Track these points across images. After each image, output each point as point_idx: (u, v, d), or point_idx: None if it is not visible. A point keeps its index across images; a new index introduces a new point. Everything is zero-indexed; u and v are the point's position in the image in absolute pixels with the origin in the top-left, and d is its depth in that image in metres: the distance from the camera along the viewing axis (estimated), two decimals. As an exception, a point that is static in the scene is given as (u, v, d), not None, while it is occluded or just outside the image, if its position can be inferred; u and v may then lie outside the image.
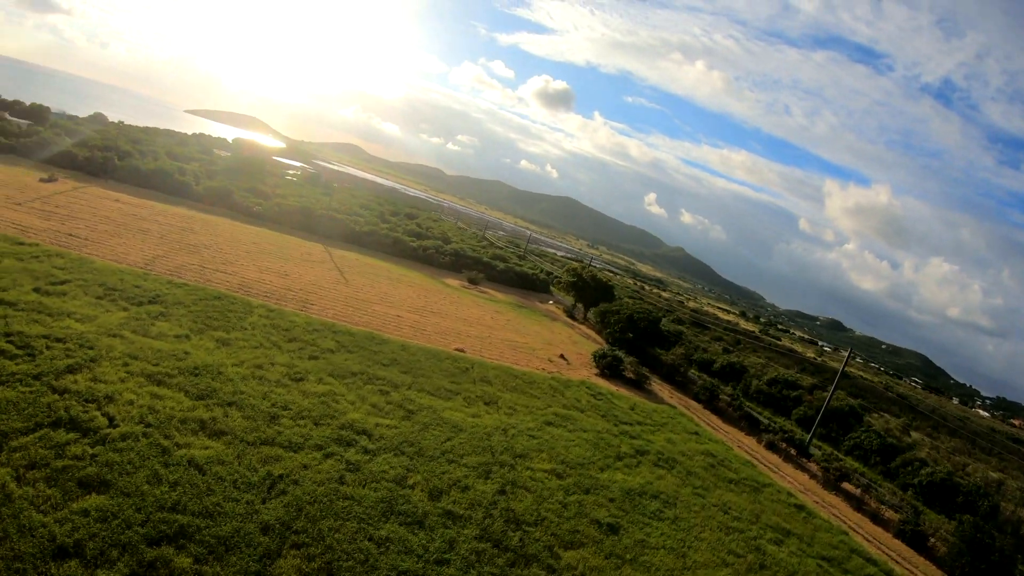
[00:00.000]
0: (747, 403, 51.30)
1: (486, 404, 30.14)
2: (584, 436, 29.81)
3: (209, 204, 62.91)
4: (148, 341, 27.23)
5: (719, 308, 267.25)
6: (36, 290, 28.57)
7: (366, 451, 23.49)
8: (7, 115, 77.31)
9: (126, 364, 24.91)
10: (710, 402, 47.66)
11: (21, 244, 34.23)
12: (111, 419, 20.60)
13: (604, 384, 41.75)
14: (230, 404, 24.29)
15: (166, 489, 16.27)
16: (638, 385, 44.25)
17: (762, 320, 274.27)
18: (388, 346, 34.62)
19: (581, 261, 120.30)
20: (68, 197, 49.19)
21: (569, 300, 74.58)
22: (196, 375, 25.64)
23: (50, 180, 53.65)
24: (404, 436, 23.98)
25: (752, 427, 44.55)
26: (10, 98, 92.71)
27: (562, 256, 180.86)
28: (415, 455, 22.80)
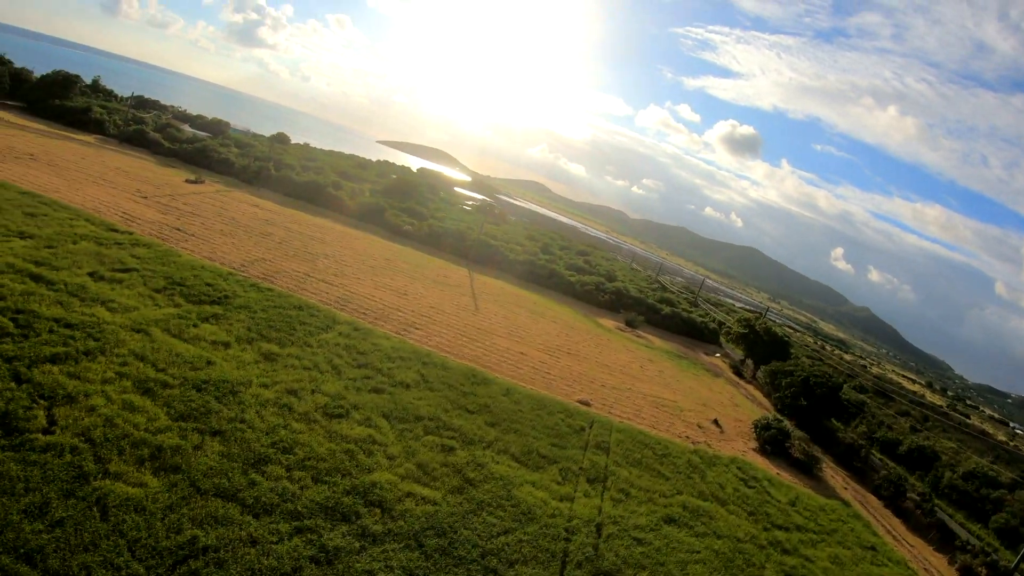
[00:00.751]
0: (939, 503, 48.37)
1: (589, 482, 24.51)
2: (715, 546, 23.47)
3: (358, 219, 67.64)
4: (174, 342, 24.07)
5: (904, 376, 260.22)
6: (91, 274, 28.81)
7: (364, 535, 16.23)
8: (187, 126, 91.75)
9: (124, 363, 21.58)
10: (894, 500, 43.43)
11: (113, 231, 36.34)
12: (51, 423, 17.65)
13: (761, 465, 37.02)
14: (215, 433, 18.96)
15: (40, 528, 13.57)
16: (805, 469, 40.24)
17: (949, 393, 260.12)
18: (487, 388, 27.70)
19: (762, 314, 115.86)
20: (204, 198, 54.86)
21: (738, 354, 73.06)
22: (200, 389, 21.10)
23: (196, 181, 60.68)
24: (439, 519, 16.67)
25: (944, 538, 40.53)
26: (194, 112, 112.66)
27: (740, 307, 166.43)
28: (438, 553, 14.88)
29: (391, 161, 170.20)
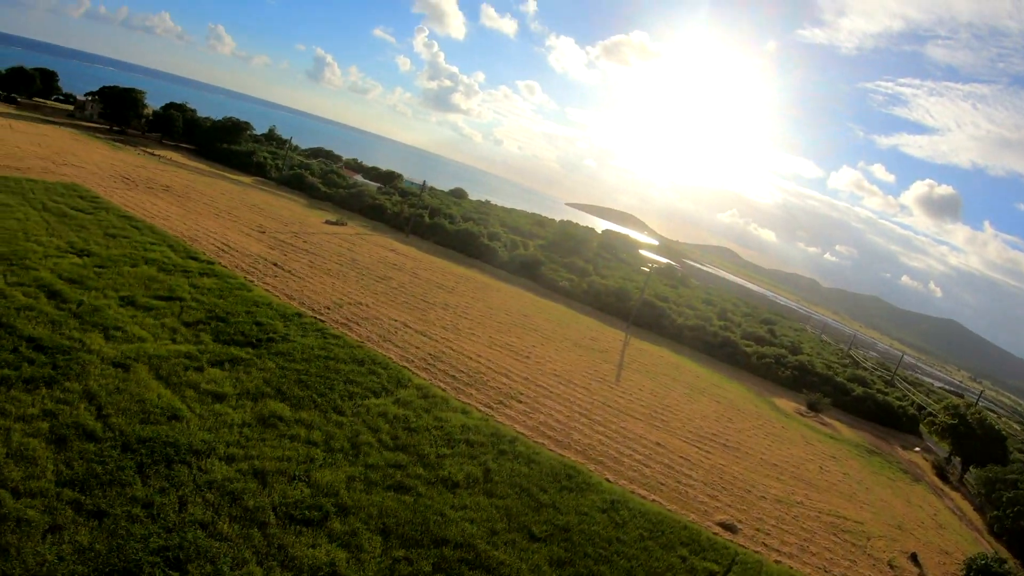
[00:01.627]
0: None
1: None
2: None
3: (511, 272, 70.33)
4: (153, 385, 21.79)
5: None
6: (123, 298, 29.16)
7: None
8: (359, 176, 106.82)
9: (64, 401, 19.72)
10: None
11: (192, 258, 38.32)
12: None
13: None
14: (96, 515, 15.22)
15: None
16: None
17: None
18: (579, 498, 21.67)
19: (963, 396, 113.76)
20: (334, 238, 60.06)
21: (943, 449, 68.75)
22: (130, 449, 17.58)
23: (336, 223, 67.68)
24: None
25: None
26: (369, 164, 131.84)
27: (939, 387, 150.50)
28: None
29: (575, 221, 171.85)
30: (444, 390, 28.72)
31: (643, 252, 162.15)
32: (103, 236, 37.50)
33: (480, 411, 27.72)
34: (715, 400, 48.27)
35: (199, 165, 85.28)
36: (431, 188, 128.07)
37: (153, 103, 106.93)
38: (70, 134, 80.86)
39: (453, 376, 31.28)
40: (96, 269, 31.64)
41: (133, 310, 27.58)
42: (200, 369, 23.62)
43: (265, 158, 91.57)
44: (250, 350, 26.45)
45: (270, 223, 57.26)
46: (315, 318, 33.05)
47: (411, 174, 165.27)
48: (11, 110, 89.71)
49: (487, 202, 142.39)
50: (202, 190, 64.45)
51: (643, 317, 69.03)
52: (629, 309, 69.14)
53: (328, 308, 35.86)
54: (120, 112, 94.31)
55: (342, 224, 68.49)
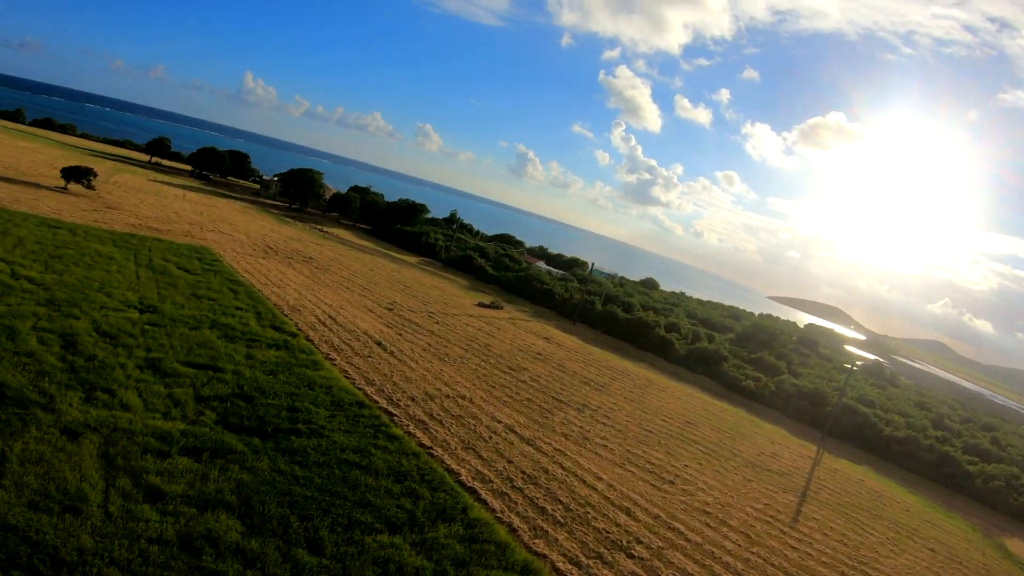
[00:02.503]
0: None
1: None
2: None
3: (686, 368, 68.07)
4: (89, 463, 18.50)
5: None
6: (147, 360, 27.17)
7: None
8: (542, 263, 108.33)
9: None
10: None
11: (276, 328, 36.14)
12: None
13: None
14: None
15: None
16: None
17: None
18: None
19: None
20: (478, 321, 57.15)
21: None
22: None
23: (490, 306, 67.29)
24: None
25: None
26: (554, 251, 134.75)
27: None
28: None
29: (775, 316, 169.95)
30: (514, 530, 21.01)
31: (848, 348, 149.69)
32: (188, 296, 36.85)
33: (558, 569, 19.62)
34: (928, 547, 39.54)
35: (365, 243, 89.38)
36: (621, 278, 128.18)
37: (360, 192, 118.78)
38: (241, 207, 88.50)
39: (542, 508, 23.36)
40: (147, 326, 30.25)
41: (149, 374, 25.00)
42: (164, 456, 19.40)
43: (437, 240, 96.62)
44: (255, 441, 21.46)
45: (408, 301, 55.62)
46: (382, 410, 27.58)
47: (607, 265, 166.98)
48: (199, 185, 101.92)
49: (680, 293, 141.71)
50: (349, 264, 65.38)
51: (842, 426, 62.70)
52: (825, 416, 61.61)
53: (412, 400, 30.28)
54: (299, 191, 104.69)
55: (497, 307, 66.90)
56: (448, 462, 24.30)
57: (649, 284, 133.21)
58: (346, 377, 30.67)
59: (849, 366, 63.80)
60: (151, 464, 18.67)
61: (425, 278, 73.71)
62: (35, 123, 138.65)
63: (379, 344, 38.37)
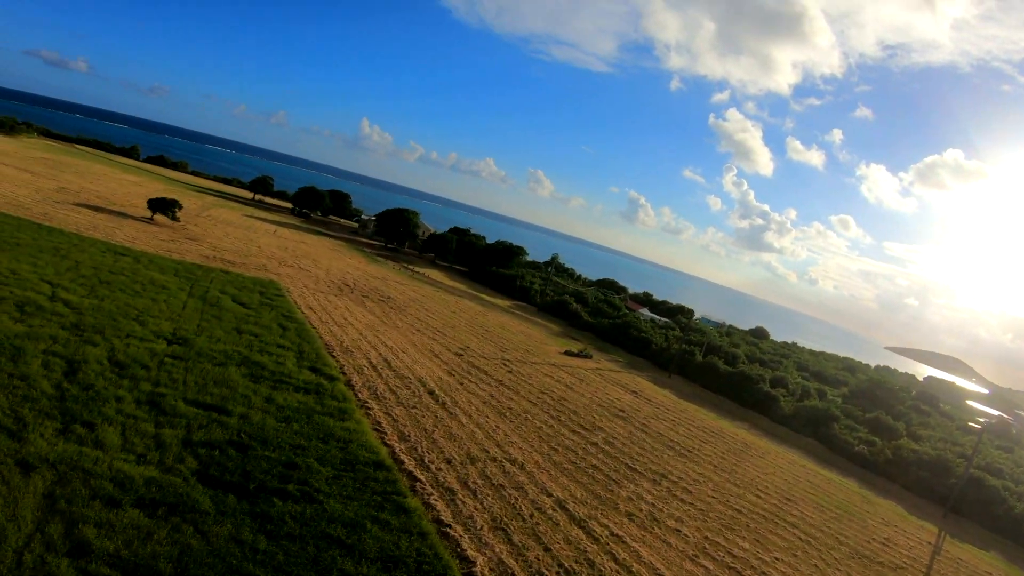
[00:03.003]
0: None
1: None
2: None
3: (791, 430, 64.57)
4: (28, 502, 16.85)
5: None
6: (153, 395, 26.14)
7: None
8: (645, 310, 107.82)
9: None
10: None
11: (314, 370, 34.23)
12: None
13: None
14: None
15: None
16: None
17: None
18: None
19: None
20: (559, 371, 53.06)
21: None
22: None
23: (578, 354, 64.51)
24: None
25: None
26: (660, 298, 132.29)
27: None
28: None
29: (892, 367, 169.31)
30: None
31: (970, 403, 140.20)
32: (229, 330, 35.69)
33: None
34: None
35: (456, 284, 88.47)
36: (729, 327, 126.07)
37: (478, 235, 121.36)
38: (333, 245, 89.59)
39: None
40: (167, 359, 29.09)
41: (144, 411, 23.59)
42: (114, 505, 17.84)
43: (532, 283, 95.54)
44: (229, 499, 18.98)
45: (484, 346, 53.07)
46: (404, 473, 24.29)
47: (716, 313, 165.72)
48: (297, 222, 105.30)
49: (792, 344, 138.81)
50: (429, 306, 63.80)
51: (967, 502, 56.59)
52: (948, 489, 56.61)
53: (448, 463, 26.79)
54: (394, 230, 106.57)
55: (585, 356, 63.68)
56: (464, 547, 20.58)
57: (759, 334, 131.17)
58: (376, 430, 27.77)
59: (975, 424, 57.34)
60: (94, 513, 16.82)
61: (512, 322, 71.65)
62: (149, 159, 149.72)
63: (431, 393, 35.46)
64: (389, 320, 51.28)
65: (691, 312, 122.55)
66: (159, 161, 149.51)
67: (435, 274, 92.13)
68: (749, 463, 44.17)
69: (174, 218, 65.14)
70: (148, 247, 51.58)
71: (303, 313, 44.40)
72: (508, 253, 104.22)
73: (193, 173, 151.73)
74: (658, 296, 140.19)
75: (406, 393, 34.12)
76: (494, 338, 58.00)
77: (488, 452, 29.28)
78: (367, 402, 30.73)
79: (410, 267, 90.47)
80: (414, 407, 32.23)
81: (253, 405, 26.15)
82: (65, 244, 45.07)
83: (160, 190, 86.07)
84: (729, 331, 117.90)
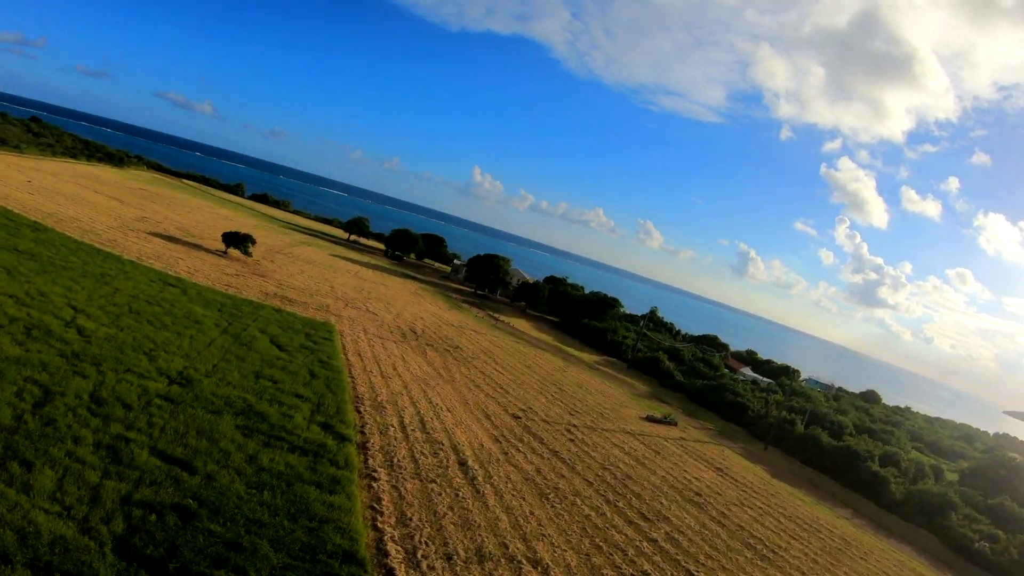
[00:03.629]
0: None
1: None
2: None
3: (901, 518, 58.95)
4: None
5: None
6: (118, 438, 24.04)
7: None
8: (747, 369, 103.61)
9: None
10: None
11: (327, 427, 30.93)
12: None
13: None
14: None
15: None
16: None
17: None
18: None
19: None
20: (627, 442, 47.15)
21: None
22: None
23: (660, 420, 59.02)
24: None
25: None
26: (765, 356, 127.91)
27: None
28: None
29: (1012, 435, 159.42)
30: None
31: None
32: (248, 373, 33.08)
33: None
34: None
35: (541, 336, 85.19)
36: (838, 390, 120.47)
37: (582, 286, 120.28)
38: (416, 289, 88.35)
39: None
40: (157, 399, 26.85)
41: (96, 457, 21.16)
42: (3, 562, 15.82)
43: (625, 337, 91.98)
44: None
45: (550, 408, 48.54)
46: (380, 570, 19.98)
47: (825, 374, 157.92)
48: (387, 264, 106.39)
49: (905, 408, 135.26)
50: (501, 358, 60.30)
51: None
52: None
53: (447, 559, 22.07)
54: (484, 276, 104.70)
55: (669, 422, 58.14)
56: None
57: (869, 398, 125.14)
58: (371, 508, 23.65)
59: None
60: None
61: (593, 380, 66.90)
62: (253, 196, 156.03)
63: (462, 464, 31.11)
64: (447, 373, 47.74)
65: (797, 373, 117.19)
66: (262, 199, 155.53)
67: (521, 324, 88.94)
68: (844, 567, 37.65)
69: (247, 253, 64.92)
70: (204, 280, 50.62)
71: (346, 359, 41.56)
72: (602, 305, 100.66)
73: (294, 212, 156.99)
74: (763, 354, 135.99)
75: (430, 462, 29.96)
76: (566, 398, 53.50)
77: (507, 548, 24.46)
78: (375, 471, 26.77)
79: (495, 315, 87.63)
80: (433, 481, 28.00)
81: (229, 463, 22.86)
82: (115, 271, 44.46)
83: (249, 225, 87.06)
84: (837, 395, 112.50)
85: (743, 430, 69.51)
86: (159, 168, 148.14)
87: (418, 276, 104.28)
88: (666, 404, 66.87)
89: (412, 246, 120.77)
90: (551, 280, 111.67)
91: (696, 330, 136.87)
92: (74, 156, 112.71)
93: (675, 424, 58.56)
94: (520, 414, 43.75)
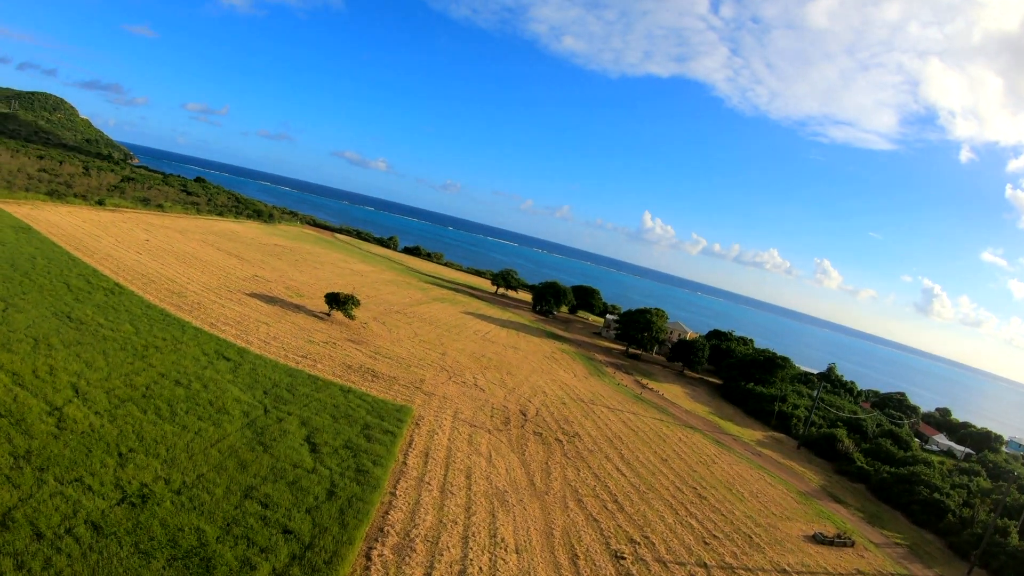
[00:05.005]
0: None
1: None
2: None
3: None
4: None
5: None
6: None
7: None
8: (941, 436, 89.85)
9: None
10: None
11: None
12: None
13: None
14: None
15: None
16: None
17: None
18: None
19: None
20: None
21: None
22: None
23: (831, 541, 45.40)
24: None
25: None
26: (959, 413, 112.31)
27: None
28: None
29: None
30: None
31: None
32: (235, 491, 26.37)
33: None
34: None
35: (694, 408, 74.64)
36: None
37: (750, 333, 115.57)
38: (554, 350, 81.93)
39: None
40: (81, 526, 21.75)
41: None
42: None
43: (796, 407, 79.70)
44: None
45: (679, 529, 37.58)
46: None
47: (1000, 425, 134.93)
48: (529, 321, 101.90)
49: None
50: (631, 449, 50.56)
51: None
52: None
53: None
54: (632, 334, 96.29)
55: (844, 543, 43.83)
56: None
57: None
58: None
59: None
60: None
61: (748, 475, 54.03)
62: (405, 249, 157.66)
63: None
64: (543, 479, 38.58)
65: (999, 440, 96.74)
66: (414, 251, 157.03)
67: (673, 391, 78.18)
68: None
69: (349, 315, 60.79)
70: (277, 350, 45.84)
71: (401, 463, 33.78)
72: (770, 365, 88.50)
73: (446, 264, 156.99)
74: (955, 407, 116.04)
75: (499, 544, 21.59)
76: (706, 511, 42.11)
77: None
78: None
79: (643, 381, 78.01)
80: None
81: (195, 554, 16.57)
82: (168, 341, 40.83)
83: (382, 281, 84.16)
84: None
85: (939, 541, 53.70)
86: (313, 223, 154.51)
87: (564, 334, 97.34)
88: (843, 503, 53.82)
89: (561, 299, 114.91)
90: (714, 335, 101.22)
91: (880, 383, 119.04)
92: (221, 214, 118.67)
93: (851, 545, 44.64)
94: (626, 551, 32.78)
